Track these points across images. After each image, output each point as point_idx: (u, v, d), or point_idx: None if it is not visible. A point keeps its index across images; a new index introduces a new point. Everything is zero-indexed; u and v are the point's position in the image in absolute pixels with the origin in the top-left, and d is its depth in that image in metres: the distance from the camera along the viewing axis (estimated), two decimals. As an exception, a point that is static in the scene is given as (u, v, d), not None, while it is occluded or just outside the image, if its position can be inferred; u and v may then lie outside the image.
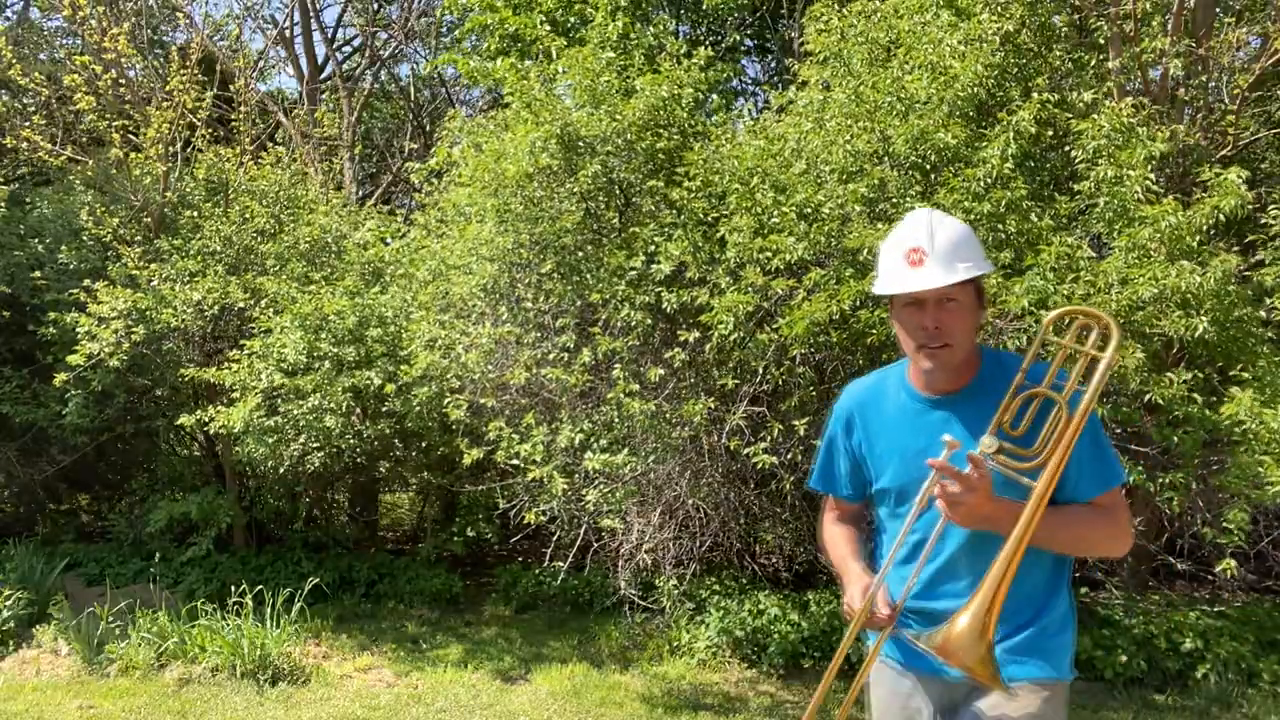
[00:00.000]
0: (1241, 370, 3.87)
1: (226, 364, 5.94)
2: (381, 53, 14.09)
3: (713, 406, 4.45)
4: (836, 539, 2.12)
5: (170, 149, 6.91)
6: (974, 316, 1.87)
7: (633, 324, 4.63)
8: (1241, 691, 4.68)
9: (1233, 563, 3.85)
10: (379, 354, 5.69)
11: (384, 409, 5.66)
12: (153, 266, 6.43)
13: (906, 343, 1.88)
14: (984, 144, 4.33)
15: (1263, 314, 4.17)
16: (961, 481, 1.70)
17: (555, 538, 5.19)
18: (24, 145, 6.90)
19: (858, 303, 4.05)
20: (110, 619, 5.27)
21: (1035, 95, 4.35)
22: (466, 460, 4.85)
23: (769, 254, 4.30)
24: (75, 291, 6.28)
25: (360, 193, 12.72)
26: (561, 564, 5.32)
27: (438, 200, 6.81)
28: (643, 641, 5.57)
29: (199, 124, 7.23)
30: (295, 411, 5.42)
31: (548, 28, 7.43)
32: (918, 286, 1.78)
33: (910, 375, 1.97)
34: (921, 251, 1.79)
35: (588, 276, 4.93)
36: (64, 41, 11.79)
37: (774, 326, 4.23)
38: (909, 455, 1.92)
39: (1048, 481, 1.70)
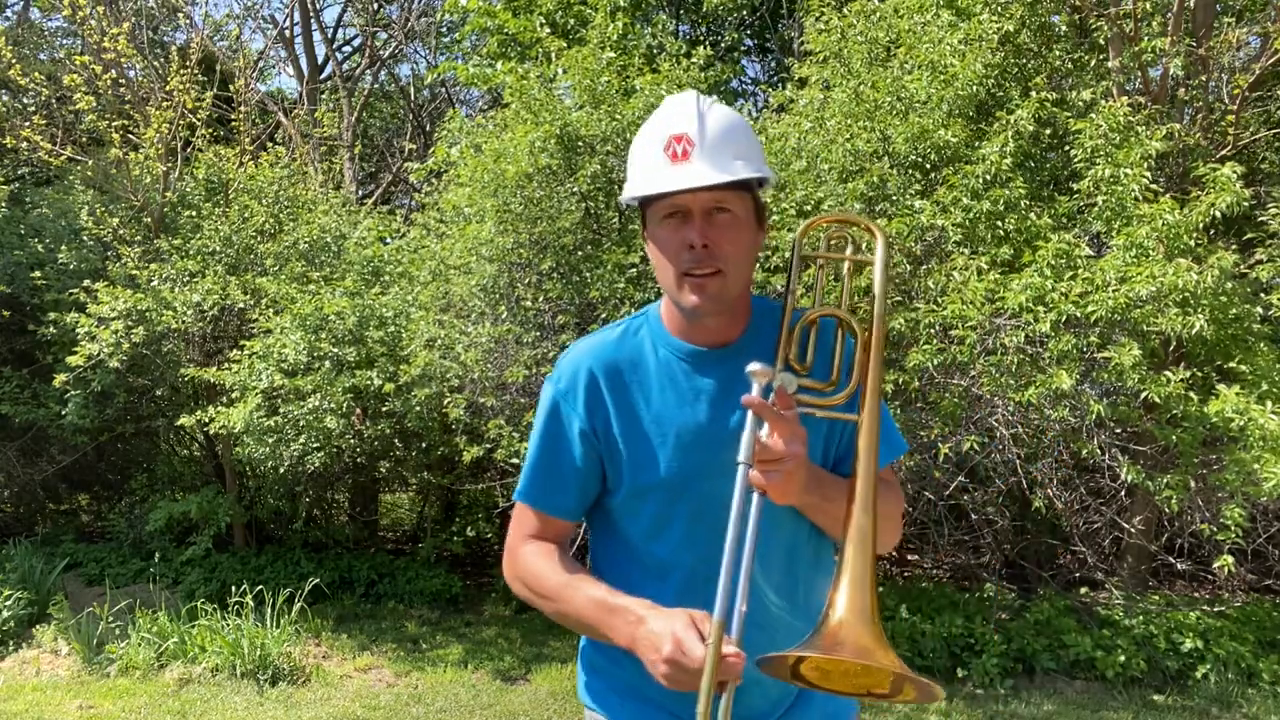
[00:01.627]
0: (1240, 364, 3.88)
1: (226, 364, 5.94)
2: (381, 53, 14.11)
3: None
4: (571, 577, 1.41)
5: (170, 149, 6.91)
6: (752, 238, 1.41)
7: (632, 323, 4.63)
8: (1241, 691, 4.68)
9: (1230, 559, 3.86)
10: (379, 354, 5.70)
11: (384, 409, 5.66)
12: (153, 266, 6.43)
13: (665, 272, 1.39)
14: (983, 143, 4.34)
15: (1259, 311, 4.17)
16: (783, 429, 1.25)
17: (555, 537, 5.18)
18: (24, 145, 6.91)
19: (857, 298, 4.05)
20: (110, 619, 5.28)
21: (1034, 95, 4.36)
22: (466, 458, 4.85)
23: (768, 250, 4.31)
24: (75, 291, 6.29)
25: (360, 193, 12.73)
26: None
27: (437, 200, 6.82)
28: (642, 641, 5.57)
29: (199, 124, 7.24)
30: (295, 412, 5.42)
31: (547, 30, 7.44)
32: (681, 185, 1.32)
33: (667, 322, 1.48)
34: (686, 140, 1.34)
35: (587, 275, 4.94)
36: (64, 41, 11.81)
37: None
38: (687, 431, 1.41)
39: (874, 408, 1.34)
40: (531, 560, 1.46)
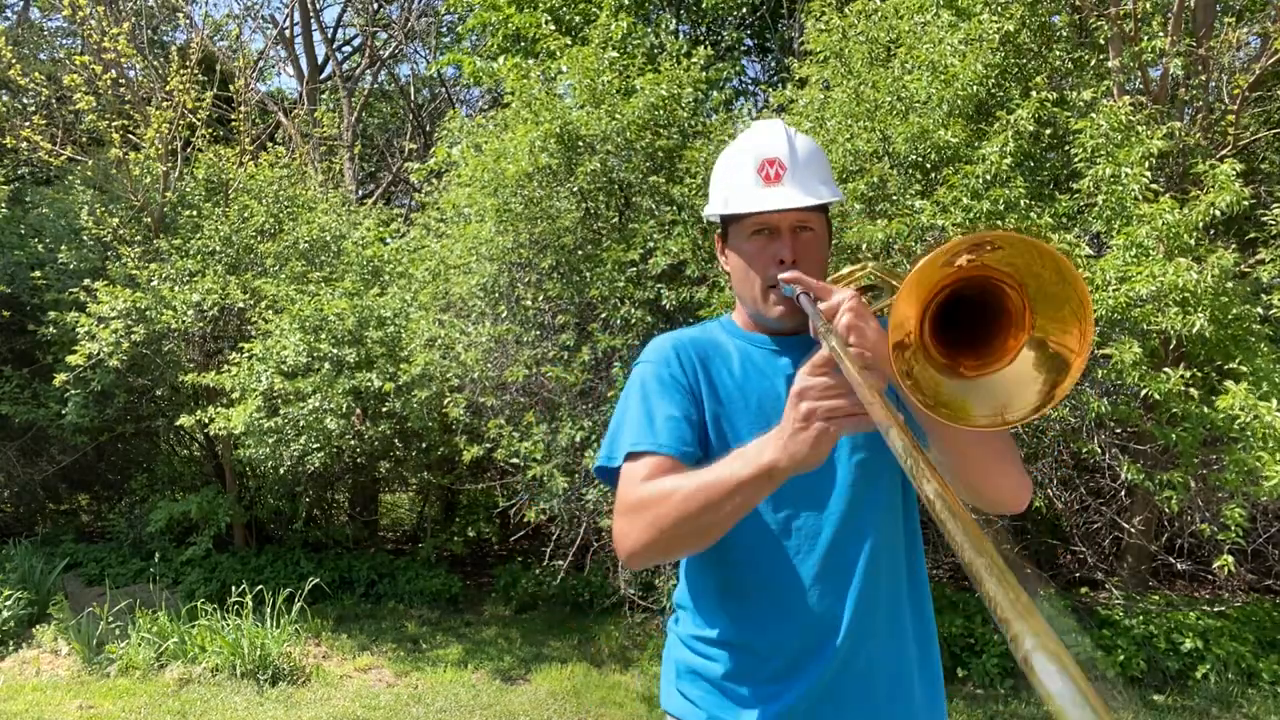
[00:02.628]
0: (1240, 365, 3.88)
1: (226, 366, 5.95)
2: (381, 53, 14.11)
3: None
4: (684, 476, 1.32)
5: (170, 149, 6.91)
6: (828, 256, 1.54)
7: (632, 321, 4.63)
8: (1241, 691, 4.68)
9: (1230, 559, 3.85)
10: (379, 354, 5.70)
11: (384, 409, 5.67)
12: (152, 266, 6.44)
13: (750, 283, 1.49)
14: (984, 143, 4.34)
15: (1259, 310, 4.17)
16: (819, 291, 1.32)
17: (555, 537, 5.19)
18: (24, 145, 6.91)
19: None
20: (110, 619, 5.27)
21: (1035, 95, 4.35)
22: (466, 457, 4.85)
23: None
24: (75, 291, 6.29)
25: (360, 193, 12.73)
26: (561, 564, 5.32)
27: (437, 200, 6.82)
28: (643, 641, 5.57)
29: (199, 124, 7.25)
30: (295, 413, 5.42)
31: (551, 26, 7.42)
32: (777, 205, 1.43)
33: (740, 323, 1.59)
34: (779, 164, 1.45)
35: (587, 275, 4.94)
36: (64, 41, 11.81)
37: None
38: (769, 399, 1.47)
39: None
40: (649, 486, 1.34)
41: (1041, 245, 1.03)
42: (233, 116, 7.72)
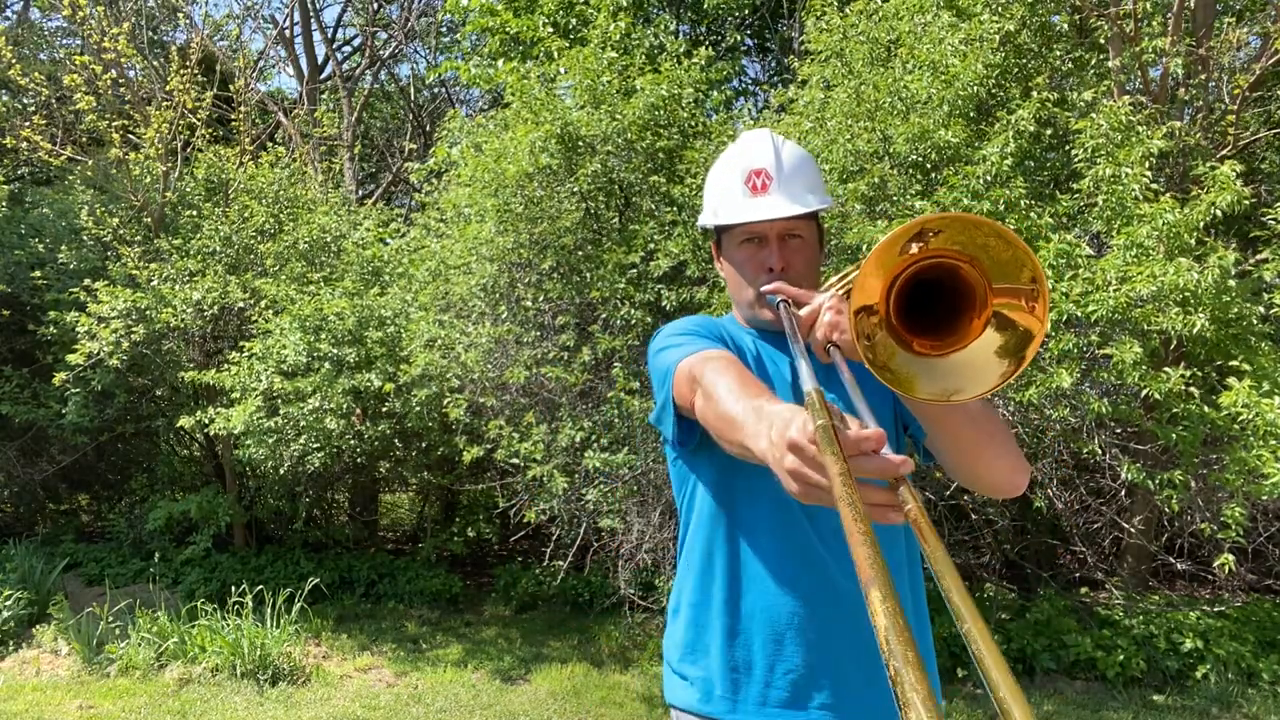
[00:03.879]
0: (1242, 363, 3.87)
1: (226, 364, 5.95)
2: (381, 53, 14.11)
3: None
4: (732, 387, 1.22)
5: (170, 149, 6.91)
6: (818, 258, 1.57)
7: (632, 322, 4.63)
8: (1241, 691, 4.68)
9: (1231, 558, 3.85)
10: (379, 354, 5.70)
11: (384, 409, 5.67)
12: (153, 266, 6.44)
13: (742, 290, 1.55)
14: (984, 143, 4.33)
15: (1261, 309, 4.16)
16: (800, 298, 1.39)
17: (555, 537, 5.19)
18: (24, 145, 6.91)
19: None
20: (110, 619, 5.27)
21: (1035, 95, 4.35)
22: (466, 458, 4.85)
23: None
24: (75, 291, 6.29)
25: (360, 193, 12.72)
26: (561, 564, 5.32)
27: (437, 200, 6.82)
28: (643, 641, 5.57)
29: (199, 124, 7.24)
30: (295, 413, 5.42)
31: (549, 30, 7.42)
32: (764, 215, 1.48)
33: (743, 323, 1.64)
34: (766, 175, 1.50)
35: (587, 275, 4.94)
36: (64, 41, 11.80)
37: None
38: (780, 378, 1.52)
39: None
40: (711, 366, 1.30)
41: (974, 218, 1.06)
42: (233, 116, 7.72)
